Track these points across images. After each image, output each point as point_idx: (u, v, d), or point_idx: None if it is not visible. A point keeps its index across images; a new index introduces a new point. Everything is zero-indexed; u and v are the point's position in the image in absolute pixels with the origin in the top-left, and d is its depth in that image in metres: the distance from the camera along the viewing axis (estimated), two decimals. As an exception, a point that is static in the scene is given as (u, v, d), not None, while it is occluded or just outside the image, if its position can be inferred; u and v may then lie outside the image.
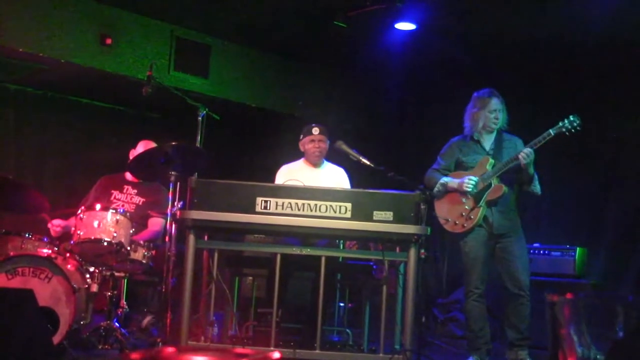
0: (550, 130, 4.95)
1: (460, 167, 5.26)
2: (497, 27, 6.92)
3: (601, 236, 7.00)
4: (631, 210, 6.84)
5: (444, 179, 5.23)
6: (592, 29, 6.47)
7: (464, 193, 5.12)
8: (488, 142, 5.24)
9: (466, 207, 5.13)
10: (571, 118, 4.93)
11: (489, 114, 5.19)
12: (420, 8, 6.58)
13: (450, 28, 7.01)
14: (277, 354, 2.15)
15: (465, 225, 5.13)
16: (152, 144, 5.64)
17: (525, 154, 4.94)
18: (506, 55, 7.42)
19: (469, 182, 5.10)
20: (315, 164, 5.71)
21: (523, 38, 7.05)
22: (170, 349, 2.14)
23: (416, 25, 6.96)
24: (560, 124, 4.95)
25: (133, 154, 5.69)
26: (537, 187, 5.14)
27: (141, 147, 5.74)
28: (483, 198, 5.09)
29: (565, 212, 7.21)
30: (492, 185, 5.07)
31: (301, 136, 5.73)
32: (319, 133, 5.64)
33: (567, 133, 4.94)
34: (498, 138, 5.23)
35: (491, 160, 5.13)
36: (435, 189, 5.22)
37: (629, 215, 6.85)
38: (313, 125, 5.69)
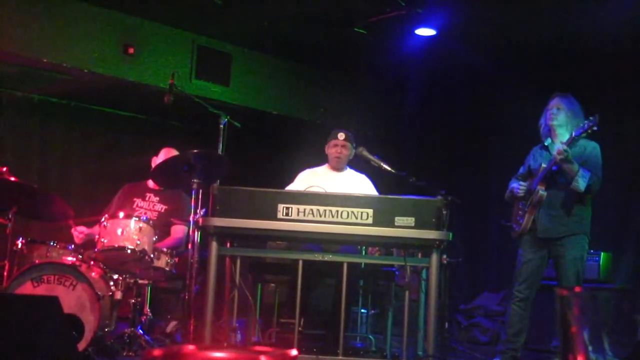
0: (572, 132, 4.95)
1: (530, 174, 5.27)
2: (518, 32, 6.90)
3: (626, 241, 6.94)
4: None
5: (511, 186, 5.29)
6: (614, 33, 6.44)
7: (519, 199, 5.19)
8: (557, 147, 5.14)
9: (520, 212, 5.18)
10: (590, 117, 4.90)
11: (547, 112, 5.18)
12: (441, 14, 6.58)
13: (470, 33, 7.00)
14: (294, 352, 2.16)
15: (517, 230, 5.19)
16: (174, 152, 5.69)
17: (559, 150, 4.89)
18: (528, 61, 7.40)
19: (519, 187, 5.18)
20: (336, 168, 5.72)
21: (545, 42, 7.02)
22: (190, 347, 2.16)
23: (436, 31, 6.96)
24: (580, 124, 4.93)
25: (155, 161, 5.73)
26: (577, 183, 4.91)
27: (163, 154, 5.77)
28: (528, 203, 5.11)
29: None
30: (535, 189, 5.06)
31: (328, 139, 5.77)
32: (344, 139, 5.66)
33: (584, 134, 4.91)
34: (569, 144, 5.07)
35: (543, 165, 5.09)
36: (505, 196, 5.35)
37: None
38: (339, 130, 5.72)
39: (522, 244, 5.18)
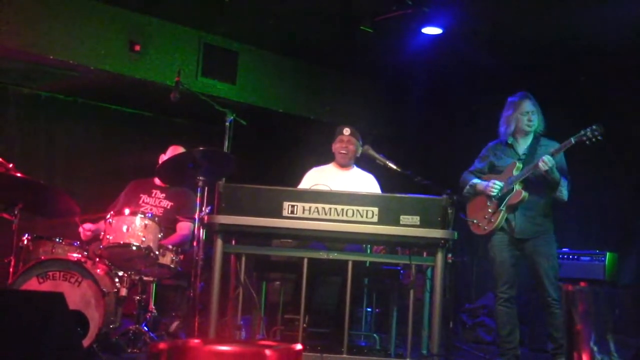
0: (571, 138, 4.87)
1: (493, 171, 5.24)
2: (525, 31, 6.89)
3: (632, 241, 6.91)
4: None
5: (474, 181, 5.24)
6: (622, 32, 6.41)
7: (489, 196, 5.12)
8: (522, 146, 5.18)
9: (489, 210, 5.12)
10: (594, 127, 4.80)
11: (522, 117, 5.15)
12: (447, 12, 6.57)
13: (477, 32, 6.99)
14: (299, 346, 2.16)
15: (486, 228, 5.12)
16: (181, 149, 5.69)
17: (544, 161, 4.87)
18: (534, 59, 7.38)
19: (494, 185, 5.11)
20: (343, 165, 5.69)
21: (551, 41, 7.00)
22: (196, 340, 2.17)
23: (443, 29, 6.95)
24: (582, 132, 4.83)
25: (162, 159, 5.74)
26: (562, 194, 5.02)
27: (170, 152, 5.78)
28: (504, 202, 5.06)
29: (595, 217, 7.14)
30: (514, 190, 5.03)
31: (333, 137, 5.74)
32: (349, 134, 5.63)
33: (587, 142, 4.81)
34: (534, 143, 5.15)
35: (518, 165, 5.08)
36: (465, 191, 5.27)
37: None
38: (344, 126, 5.69)
39: (494, 243, 5.12)
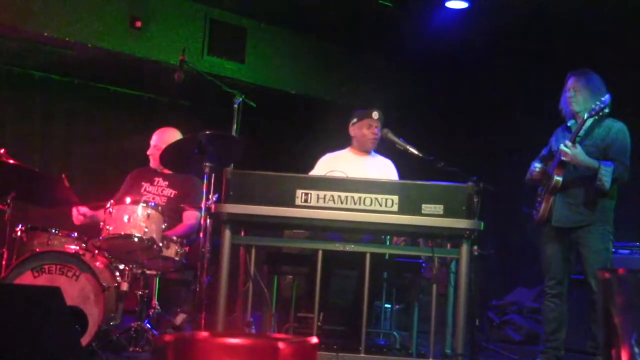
0: (584, 116, 4.84)
1: (552, 156, 5.18)
2: (556, 4, 6.83)
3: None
4: None
5: (530, 168, 5.21)
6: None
7: (538, 183, 5.12)
8: (582, 129, 5.01)
9: (538, 199, 5.12)
10: (601, 99, 4.81)
11: (565, 94, 5.10)
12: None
13: (506, 5, 6.94)
14: (315, 339, 2.14)
15: (535, 217, 5.12)
16: (174, 132, 5.71)
17: (561, 149, 4.83)
18: (566, 34, 7.32)
19: (534, 168, 5.13)
20: (367, 152, 5.66)
21: (584, 15, 6.95)
22: (204, 333, 2.16)
23: (469, 3, 6.91)
24: (593, 105, 4.83)
25: (152, 141, 5.81)
26: (602, 182, 4.82)
27: (156, 136, 5.83)
28: (545, 189, 5.04)
29: (635, 209, 7.08)
30: (552, 174, 5.00)
31: (354, 120, 5.64)
32: (378, 118, 5.59)
33: (596, 116, 4.83)
34: (593, 125, 5.00)
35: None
36: (525, 178, 5.26)
37: None
38: (373, 109, 5.61)
39: (543, 235, 5.11)
